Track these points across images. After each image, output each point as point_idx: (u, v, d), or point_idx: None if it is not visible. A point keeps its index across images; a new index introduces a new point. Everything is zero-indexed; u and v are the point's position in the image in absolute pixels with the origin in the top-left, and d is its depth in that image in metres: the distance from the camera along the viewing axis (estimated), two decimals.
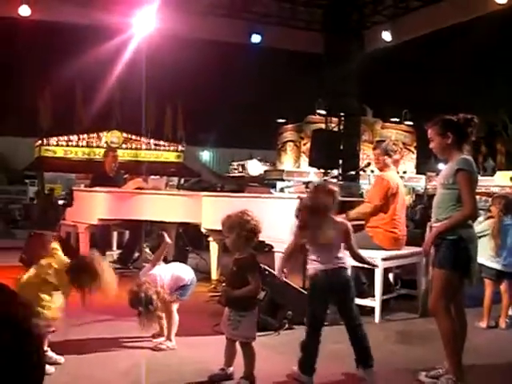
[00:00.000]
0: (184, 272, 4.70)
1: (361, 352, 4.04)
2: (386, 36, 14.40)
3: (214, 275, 7.32)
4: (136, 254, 8.98)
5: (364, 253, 5.79)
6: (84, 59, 17.19)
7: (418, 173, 26.04)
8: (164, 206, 7.60)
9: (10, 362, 1.27)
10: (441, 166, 23.25)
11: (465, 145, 4.03)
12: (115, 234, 9.58)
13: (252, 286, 3.74)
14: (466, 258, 3.88)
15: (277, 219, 6.06)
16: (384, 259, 5.78)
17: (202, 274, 8.05)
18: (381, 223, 6.10)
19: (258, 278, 3.78)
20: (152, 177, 12.80)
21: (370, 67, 15.99)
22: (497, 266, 5.63)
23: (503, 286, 5.74)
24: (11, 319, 1.31)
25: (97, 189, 8.25)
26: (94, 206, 8.03)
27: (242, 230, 3.73)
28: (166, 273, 4.58)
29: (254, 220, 3.76)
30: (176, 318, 4.53)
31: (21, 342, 1.31)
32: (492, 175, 22.81)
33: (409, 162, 25.83)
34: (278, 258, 6.10)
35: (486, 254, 5.54)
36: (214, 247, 7.33)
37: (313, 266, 3.98)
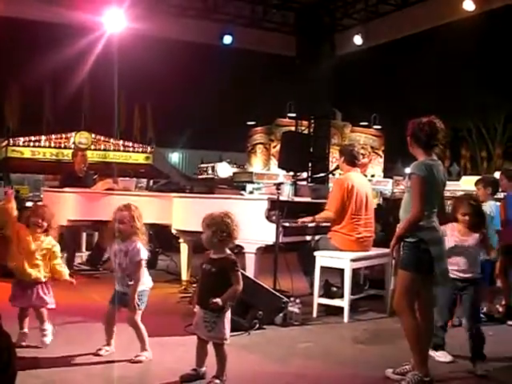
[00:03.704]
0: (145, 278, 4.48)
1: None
2: (357, 40, 14.54)
3: (185, 276, 7.31)
4: (106, 256, 8.92)
5: (326, 253, 5.94)
6: (53, 58, 16.98)
7: (385, 176, 26.34)
8: None
9: None
10: (407, 170, 23.61)
11: (434, 148, 4.12)
12: (84, 235, 9.50)
13: (235, 286, 3.79)
14: (427, 259, 3.98)
15: (247, 220, 6.07)
16: (352, 260, 5.86)
17: (173, 276, 8.06)
18: (338, 227, 6.21)
19: (239, 277, 3.82)
20: (121, 178, 12.69)
21: (340, 71, 16.13)
22: None
23: None
24: None
25: (66, 189, 8.17)
26: (64, 207, 7.92)
27: (218, 230, 3.78)
28: None
29: (234, 225, 3.82)
30: (142, 326, 4.35)
31: None
32: (457, 180, 23.18)
33: (376, 166, 26.13)
34: (248, 259, 6.14)
35: None
36: (184, 248, 7.32)
37: None
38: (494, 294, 6.35)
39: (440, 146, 4.20)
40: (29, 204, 15.94)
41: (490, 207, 6.02)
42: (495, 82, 22.96)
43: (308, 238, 6.60)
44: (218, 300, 3.72)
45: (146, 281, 4.42)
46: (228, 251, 3.88)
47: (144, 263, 4.37)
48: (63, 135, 24.26)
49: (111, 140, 24.90)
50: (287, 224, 6.21)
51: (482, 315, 6.05)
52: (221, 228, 3.79)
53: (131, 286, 4.32)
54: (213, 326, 3.79)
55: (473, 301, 4.54)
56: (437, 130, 4.08)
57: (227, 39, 14.79)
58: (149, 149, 26.35)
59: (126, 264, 4.34)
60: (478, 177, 7.28)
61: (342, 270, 5.89)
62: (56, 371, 4.02)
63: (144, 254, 4.34)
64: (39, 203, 7.18)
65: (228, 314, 3.85)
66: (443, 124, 4.12)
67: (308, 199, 7.37)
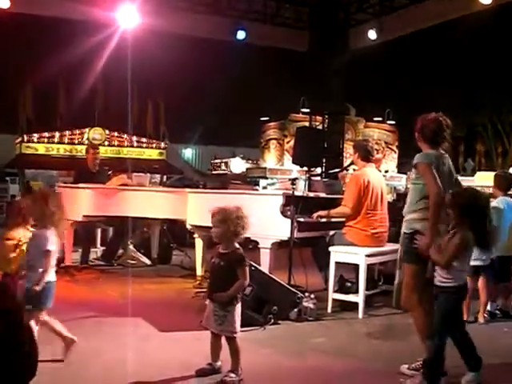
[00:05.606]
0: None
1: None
2: (372, 34, 14.45)
3: (199, 271, 7.33)
4: (120, 251, 8.98)
5: (341, 249, 5.91)
6: (66, 54, 17.03)
7: (399, 172, 26.18)
8: (149, 202, 7.60)
9: (2, 351, 1.29)
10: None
11: (440, 144, 4.11)
12: (99, 230, 9.55)
13: (242, 281, 3.82)
14: None
15: (262, 216, 6.08)
16: (367, 255, 5.85)
17: (187, 271, 8.09)
18: (353, 223, 6.19)
19: (246, 271, 3.83)
20: (135, 174, 12.79)
21: (354, 66, 16.05)
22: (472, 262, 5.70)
23: (480, 283, 5.82)
24: (4, 311, 1.33)
25: (81, 185, 8.22)
26: (79, 203, 7.99)
27: (233, 225, 3.80)
28: None
29: (246, 219, 3.85)
30: (35, 327, 3.90)
31: (13, 333, 1.33)
32: (472, 175, 23.01)
33: (391, 162, 25.98)
34: (263, 254, 6.15)
35: None
36: (199, 243, 7.34)
37: None
38: (508, 291, 6.30)
39: (447, 142, 4.18)
40: None
41: (500, 203, 5.96)
42: (511, 77, 22.72)
43: (323, 233, 6.60)
44: (222, 294, 3.75)
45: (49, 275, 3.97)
46: (236, 245, 3.90)
47: (52, 255, 3.95)
48: (77, 131, 24.35)
49: (125, 136, 24.96)
50: (302, 219, 6.21)
51: (497, 311, 6.05)
52: (234, 222, 3.81)
53: (34, 278, 3.90)
54: (223, 320, 3.81)
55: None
56: (442, 127, 4.08)
57: (241, 34, 14.76)
58: (162, 145, 26.40)
59: (32, 250, 4.02)
60: (493, 172, 7.22)
61: (356, 266, 5.89)
62: (69, 364, 4.04)
63: (52, 245, 3.93)
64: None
65: (238, 308, 3.87)
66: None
67: (322, 194, 7.36)
